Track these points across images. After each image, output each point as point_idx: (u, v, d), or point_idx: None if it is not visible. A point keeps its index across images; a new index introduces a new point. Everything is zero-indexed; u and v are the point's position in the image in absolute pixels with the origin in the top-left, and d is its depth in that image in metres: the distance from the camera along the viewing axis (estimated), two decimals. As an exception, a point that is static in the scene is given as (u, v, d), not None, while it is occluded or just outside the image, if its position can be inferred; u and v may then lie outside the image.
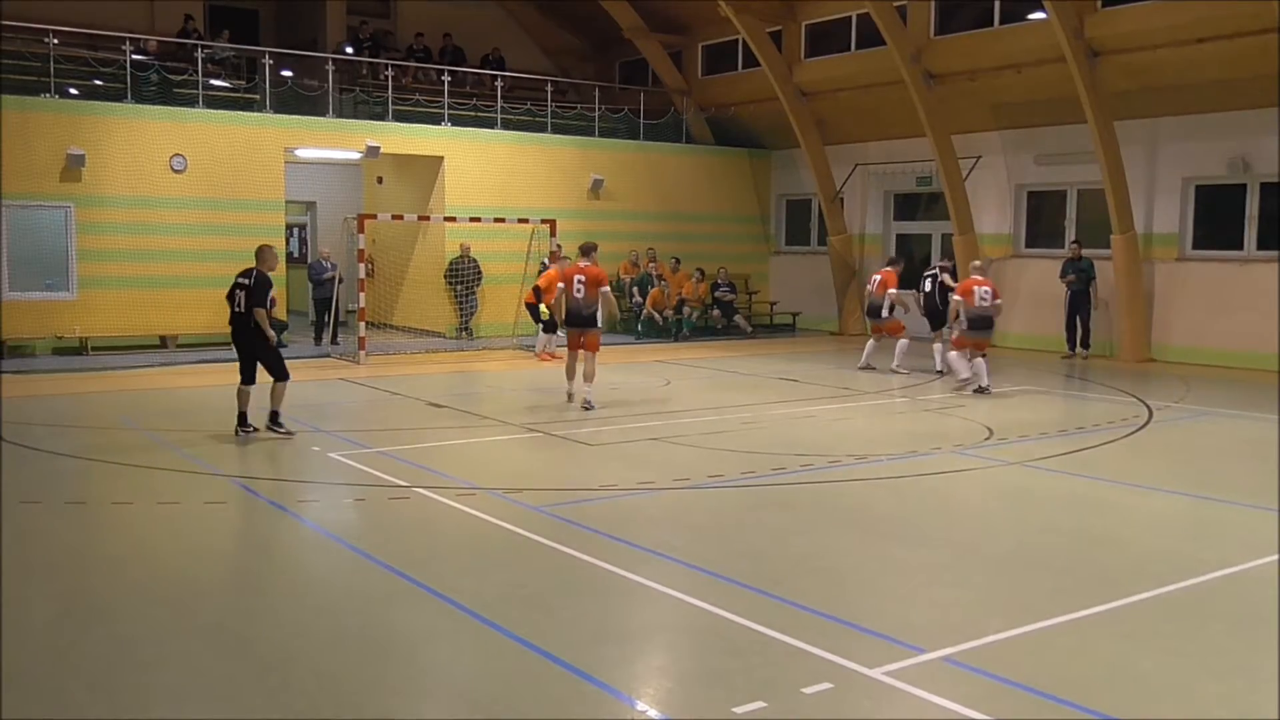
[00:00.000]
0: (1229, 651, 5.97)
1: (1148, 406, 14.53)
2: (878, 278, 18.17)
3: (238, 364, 11.97)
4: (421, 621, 6.29)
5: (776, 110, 24.74)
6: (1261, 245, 19.06)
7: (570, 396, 14.29)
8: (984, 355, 15.77)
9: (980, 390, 15.42)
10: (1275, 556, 7.66)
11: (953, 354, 15.99)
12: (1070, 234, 21.54)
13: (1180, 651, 5.95)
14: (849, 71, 23.58)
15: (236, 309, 11.77)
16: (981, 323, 15.52)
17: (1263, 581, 7.26)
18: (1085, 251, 20.38)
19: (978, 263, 16.95)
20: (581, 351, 14.20)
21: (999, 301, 15.64)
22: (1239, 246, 19.34)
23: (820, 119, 24.77)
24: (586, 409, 13.76)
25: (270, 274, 11.88)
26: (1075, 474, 10.40)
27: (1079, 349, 20.45)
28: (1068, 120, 20.14)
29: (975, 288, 15.50)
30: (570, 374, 14.42)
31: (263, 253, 12.05)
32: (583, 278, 14.13)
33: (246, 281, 11.71)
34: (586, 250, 14.52)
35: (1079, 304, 20.33)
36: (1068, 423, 13.61)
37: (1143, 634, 6.19)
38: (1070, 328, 20.53)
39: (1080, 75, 18.85)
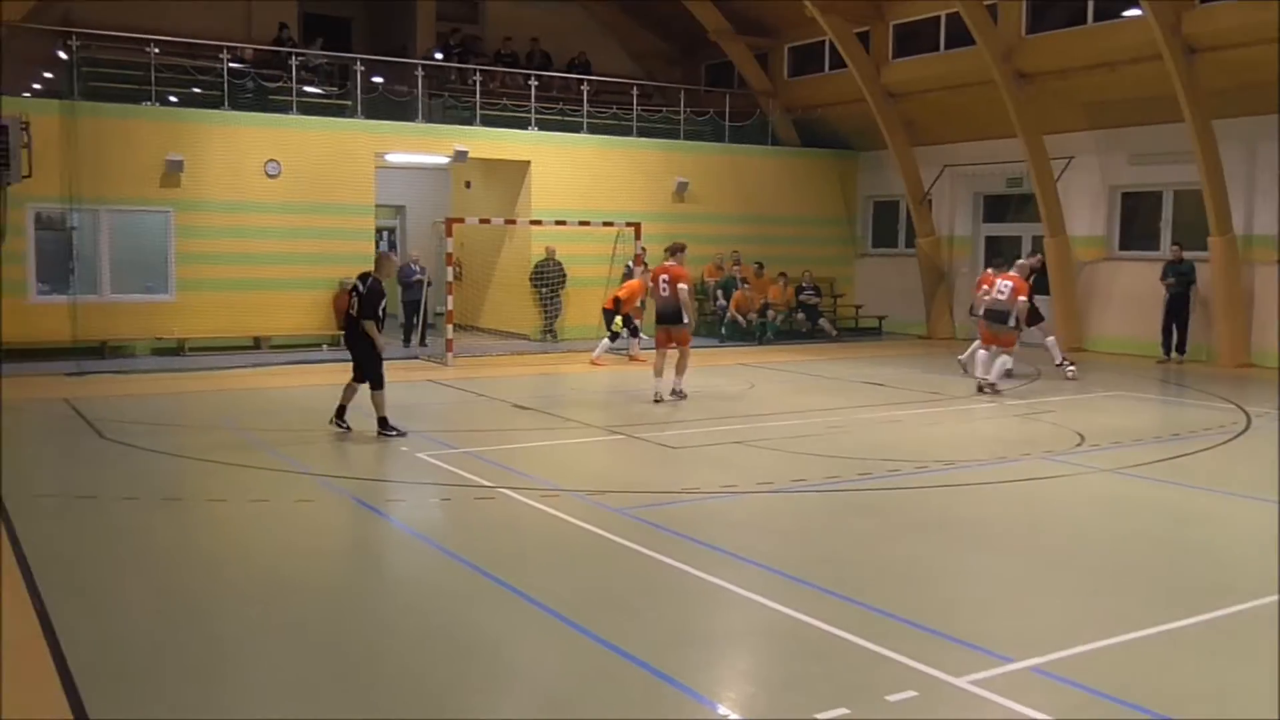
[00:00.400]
0: (1331, 668, 5.77)
1: (1246, 413, 14.09)
2: (1008, 284, 15.91)
3: (349, 363, 12.30)
4: (504, 621, 6.35)
5: (863, 111, 24.51)
6: (1369, 247, 18.40)
7: (658, 397, 14.50)
8: (1004, 350, 15.91)
9: (984, 389, 15.63)
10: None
11: (981, 352, 16.22)
12: (1166, 236, 21.00)
13: (1268, 665, 5.76)
14: (938, 72, 23.29)
15: (351, 312, 11.98)
16: (994, 315, 15.85)
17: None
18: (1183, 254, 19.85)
19: (1021, 260, 16.93)
20: (670, 350, 14.73)
21: (1022, 300, 15.70)
22: (1344, 248, 18.69)
23: (908, 120, 24.48)
24: (679, 397, 14.47)
25: (385, 281, 12.09)
26: (1169, 481, 10.14)
27: (1174, 353, 19.90)
28: (1163, 119, 19.64)
29: (996, 280, 16.17)
30: (658, 372, 14.77)
31: (381, 260, 12.35)
32: (666, 276, 14.73)
33: (361, 288, 11.90)
34: (674, 250, 15.11)
35: (1177, 307, 19.79)
36: (1162, 429, 13.27)
37: (1236, 648, 6.00)
38: (1166, 332, 20.00)
39: (1177, 73, 18.38)
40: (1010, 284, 15.88)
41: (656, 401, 14.40)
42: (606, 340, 19.50)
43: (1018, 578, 7.30)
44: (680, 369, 14.81)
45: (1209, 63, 18.52)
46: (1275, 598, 6.82)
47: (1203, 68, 18.57)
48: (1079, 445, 11.87)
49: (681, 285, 14.60)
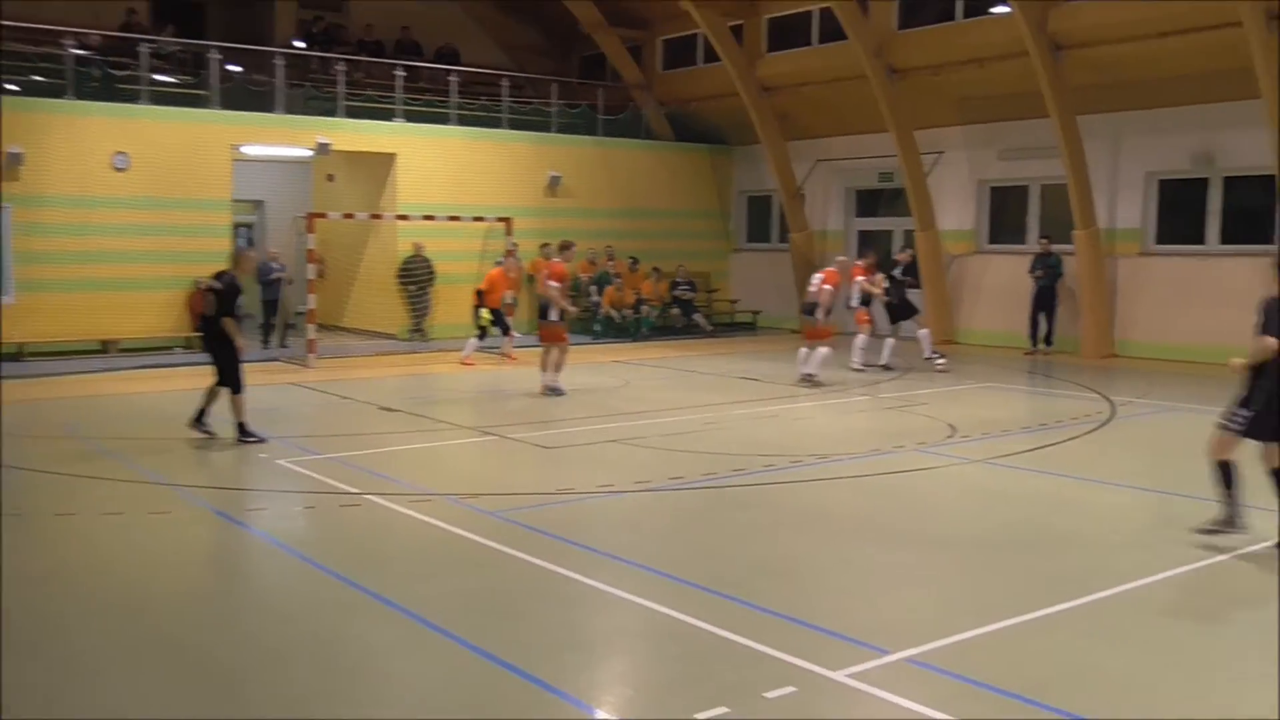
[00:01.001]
0: (1195, 649, 6.05)
1: (1111, 402, 14.69)
2: (819, 276, 16.77)
3: (205, 367, 11.99)
4: (375, 632, 6.24)
5: (737, 105, 24.80)
6: (1225, 240, 19.33)
7: (547, 390, 15.03)
8: (813, 346, 16.39)
9: (806, 378, 16.22)
10: (1238, 553, 7.77)
11: (802, 349, 16.71)
12: (1034, 229, 21.74)
13: (1147, 649, 6.01)
14: (811, 66, 23.70)
15: (207, 313, 11.62)
16: (806, 309, 16.86)
17: (1225, 578, 7.37)
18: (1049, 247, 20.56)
19: (841, 258, 17.90)
20: (553, 347, 15.22)
21: (827, 287, 16.40)
22: (1201, 241, 19.60)
23: (782, 114, 24.86)
24: (555, 394, 14.85)
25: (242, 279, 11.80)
26: (1039, 471, 10.50)
27: (1042, 345, 20.64)
28: (1031, 115, 20.33)
29: (864, 274, 17.44)
30: (543, 367, 15.28)
31: (240, 257, 12.07)
32: (546, 272, 15.37)
33: (218, 285, 11.55)
34: (561, 247, 15.78)
35: (1045, 300, 20.52)
36: (1030, 419, 13.74)
37: (1109, 632, 6.25)
38: (1034, 323, 20.71)
39: (1044, 70, 19.04)
40: (820, 276, 16.77)
41: (556, 393, 14.95)
42: (475, 339, 19.31)
43: (893, 570, 7.47)
44: (556, 366, 15.06)
45: (1074, 59, 19.24)
46: (1146, 580, 7.12)
47: (1068, 64, 19.29)
48: (950, 437, 12.21)
49: (551, 282, 14.96)
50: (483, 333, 19.31)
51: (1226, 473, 7.86)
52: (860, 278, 17.93)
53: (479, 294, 19.35)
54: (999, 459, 11.00)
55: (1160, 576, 7.26)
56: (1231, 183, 19.26)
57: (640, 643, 6.22)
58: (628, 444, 11.77)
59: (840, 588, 7.10)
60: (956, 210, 22.81)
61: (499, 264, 19.88)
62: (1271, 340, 7.54)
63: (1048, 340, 20.62)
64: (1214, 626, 6.44)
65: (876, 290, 18.05)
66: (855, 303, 18.10)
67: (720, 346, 22.52)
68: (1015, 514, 9.00)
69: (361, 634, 6.20)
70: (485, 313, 19.19)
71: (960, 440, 12.01)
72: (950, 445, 11.74)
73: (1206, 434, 8.06)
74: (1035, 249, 20.90)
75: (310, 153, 22.31)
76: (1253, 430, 7.73)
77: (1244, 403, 7.78)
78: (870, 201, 25.55)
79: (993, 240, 22.67)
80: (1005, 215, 22.76)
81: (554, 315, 15.14)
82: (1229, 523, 7.85)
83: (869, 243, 23.44)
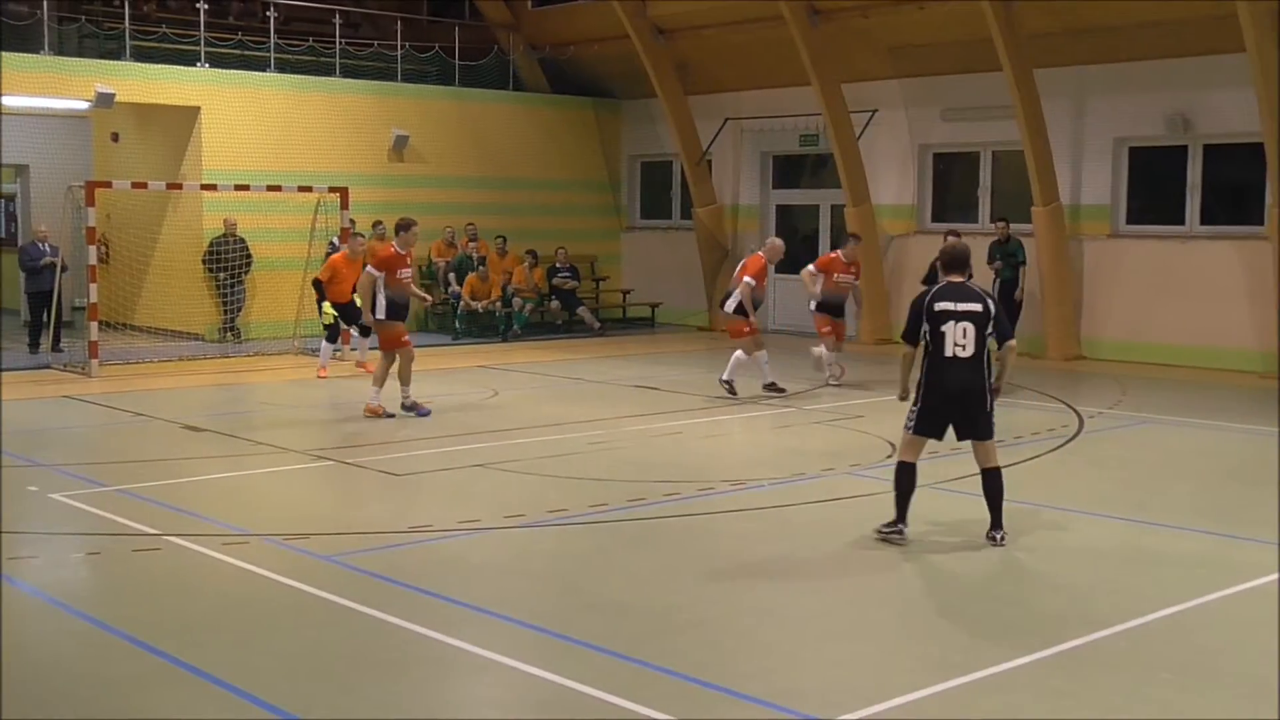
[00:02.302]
0: (1178, 707, 6.25)
1: (1078, 413, 15.12)
2: (740, 262, 17.45)
3: None
4: (180, 708, 6.13)
5: (627, 51, 24.88)
6: (1206, 219, 20.00)
7: (381, 410, 14.57)
8: (739, 343, 16.44)
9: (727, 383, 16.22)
10: (1225, 592, 8.06)
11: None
12: (986, 205, 22.20)
13: (1123, 709, 6.20)
14: (717, 4, 23.86)
15: None
16: (722, 304, 16.91)
17: (1213, 623, 7.63)
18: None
19: (777, 240, 17.72)
20: (398, 351, 14.73)
21: (746, 279, 16.17)
22: (1180, 221, 20.25)
23: (682, 63, 25.01)
24: (413, 412, 14.54)
25: None
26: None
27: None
28: (980, 68, 20.76)
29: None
30: (379, 381, 14.69)
31: None
32: (371, 259, 15.11)
33: None
34: (400, 227, 15.05)
35: (1006, 294, 20.67)
36: (985, 435, 14.04)
37: (1079, 689, 6.42)
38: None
39: (994, 13, 19.44)
40: (741, 262, 16.74)
41: (385, 416, 14.48)
42: (326, 343, 18.81)
43: (822, 620, 7.58)
44: (404, 378, 14.76)
45: (1031, 4, 19.68)
46: (1120, 627, 7.34)
47: (1024, 8, 19.74)
48: (890, 456, 12.39)
49: (372, 269, 14.65)
50: (332, 333, 18.92)
51: None
52: (843, 275, 17.37)
53: (318, 285, 18.99)
54: (946, 484, 11.22)
55: (1137, 622, 7.48)
56: (1213, 151, 19.92)
57: (516, 717, 6.20)
58: (497, 469, 11.73)
59: (761, 643, 7.17)
60: (894, 181, 23.21)
61: (335, 247, 19.61)
62: None
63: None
64: (1200, 681, 6.66)
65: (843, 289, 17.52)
66: (815, 305, 17.50)
67: (610, 348, 22.58)
68: (967, 549, 9.19)
69: (163, 712, 6.08)
70: (329, 308, 18.77)
71: (900, 461, 12.22)
72: (888, 467, 11.88)
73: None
74: (990, 232, 21.19)
75: (88, 105, 21.78)
76: None
77: None
78: (791, 170, 25.88)
79: (936, 217, 23.12)
80: (951, 187, 23.23)
81: (380, 313, 14.61)
82: None
83: (790, 221, 23.67)
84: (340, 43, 24.31)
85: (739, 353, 16.32)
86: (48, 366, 18.85)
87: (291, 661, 6.80)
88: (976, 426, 9.06)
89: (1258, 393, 16.85)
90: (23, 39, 20.95)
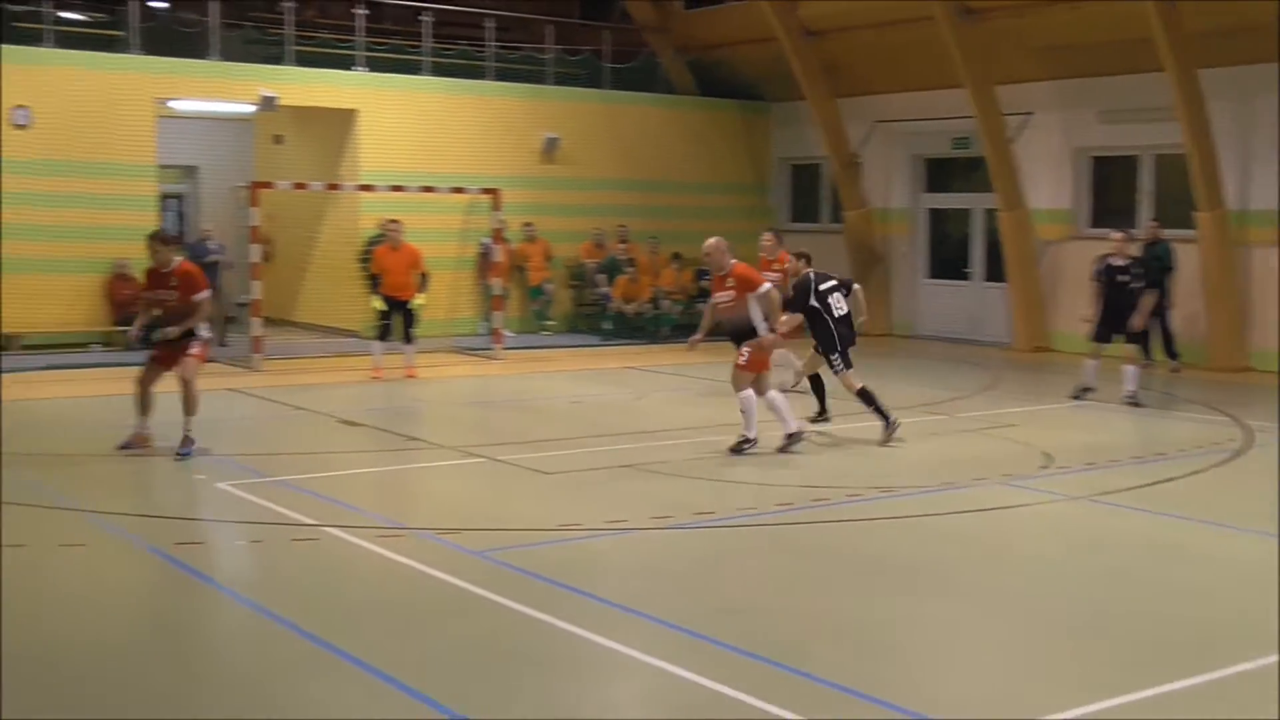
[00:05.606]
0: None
1: (1245, 427, 14.66)
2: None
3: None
4: (337, 696, 6.28)
5: (776, 53, 24.79)
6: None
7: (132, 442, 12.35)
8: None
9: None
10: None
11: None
12: (1146, 209, 21.56)
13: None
14: (867, 5, 23.65)
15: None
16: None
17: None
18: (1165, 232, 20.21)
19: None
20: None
21: (767, 288, 12.86)
22: (1356, 225, 19.51)
23: (831, 64, 24.84)
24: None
25: None
26: (1155, 512, 10.48)
27: (1165, 356, 19.81)
28: (1140, 68, 20.25)
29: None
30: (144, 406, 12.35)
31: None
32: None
33: None
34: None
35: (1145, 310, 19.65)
36: (1145, 448, 13.71)
37: (1240, 717, 6.25)
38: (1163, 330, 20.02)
39: (1155, 11, 18.96)
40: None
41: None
42: (377, 341, 18.20)
43: (969, 632, 7.49)
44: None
45: (1194, 2, 19.15)
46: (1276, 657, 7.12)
47: (1187, 6, 19.22)
48: (1045, 467, 12.20)
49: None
50: (384, 331, 18.12)
51: None
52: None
53: (374, 279, 18.44)
54: (1104, 496, 10.99)
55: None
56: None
57: (658, 716, 6.24)
58: (644, 470, 11.78)
59: (904, 652, 7.11)
60: (1049, 185, 22.76)
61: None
62: None
63: (1170, 350, 19.87)
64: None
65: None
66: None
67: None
68: (1124, 565, 8.99)
69: (321, 699, 6.23)
70: (378, 301, 18.14)
71: (1057, 472, 12.00)
72: (1044, 478, 11.74)
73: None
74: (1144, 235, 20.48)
75: (252, 108, 22.37)
76: None
77: None
78: (942, 173, 25.53)
79: (1095, 222, 22.58)
80: (1110, 192, 22.70)
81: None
82: None
83: (943, 226, 23.30)
84: (493, 46, 24.61)
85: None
86: (214, 360, 19.30)
87: (442, 654, 6.91)
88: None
89: None
90: (193, 45, 21.59)
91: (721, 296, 12.92)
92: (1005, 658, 7.04)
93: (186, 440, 11.87)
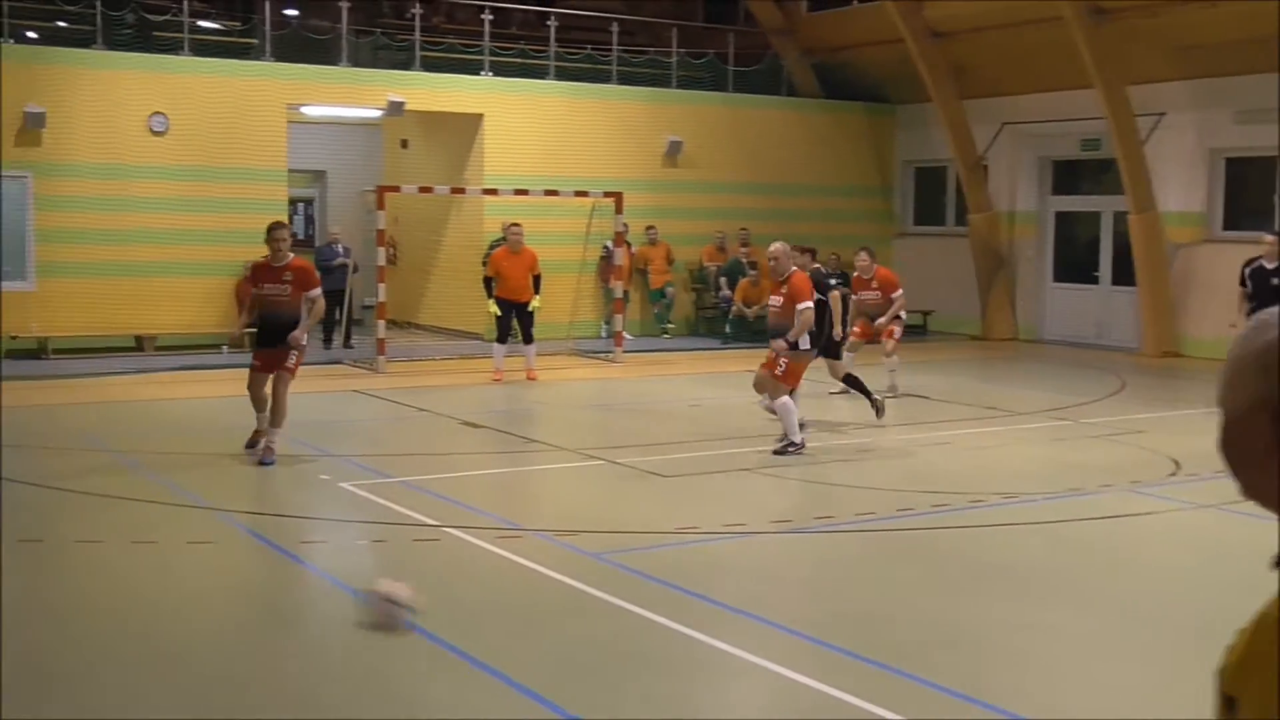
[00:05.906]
0: None
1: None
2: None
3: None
4: (459, 696, 6.37)
5: (901, 55, 24.60)
6: None
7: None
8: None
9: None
10: None
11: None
12: (1282, 213, 21.11)
13: None
14: (994, 5, 23.39)
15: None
16: (776, 334, 12.88)
17: None
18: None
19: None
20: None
21: (806, 306, 12.49)
22: None
23: (957, 66, 24.59)
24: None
25: None
26: (1287, 521, 10.21)
27: None
28: (1277, 66, 19.78)
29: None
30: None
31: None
32: None
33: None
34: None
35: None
36: None
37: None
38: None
39: (1294, 8, 18.53)
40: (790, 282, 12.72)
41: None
42: (498, 344, 18.07)
43: (1095, 641, 7.35)
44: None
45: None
46: None
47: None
48: (1174, 474, 11.94)
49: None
50: (503, 333, 18.05)
51: None
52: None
53: (488, 282, 18.45)
54: (1234, 505, 10.71)
55: None
56: None
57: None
58: (763, 474, 11.77)
59: (1027, 661, 7.03)
60: (1181, 187, 22.30)
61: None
62: None
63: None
64: None
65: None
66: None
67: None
68: (1255, 576, 8.72)
69: (439, 698, 6.32)
70: (493, 305, 18.11)
71: (1186, 479, 11.73)
72: (1173, 485, 11.49)
73: None
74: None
75: (380, 113, 22.73)
76: None
77: None
78: (1070, 176, 25.10)
79: (1228, 226, 22.10)
80: (1245, 194, 22.15)
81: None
82: None
83: (1071, 230, 22.92)
84: (616, 50, 24.73)
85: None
86: (339, 362, 19.65)
87: (560, 655, 6.96)
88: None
89: None
90: (323, 52, 22.01)
91: (774, 301, 12.91)
92: (1127, 667, 6.91)
93: (268, 450, 11.59)
